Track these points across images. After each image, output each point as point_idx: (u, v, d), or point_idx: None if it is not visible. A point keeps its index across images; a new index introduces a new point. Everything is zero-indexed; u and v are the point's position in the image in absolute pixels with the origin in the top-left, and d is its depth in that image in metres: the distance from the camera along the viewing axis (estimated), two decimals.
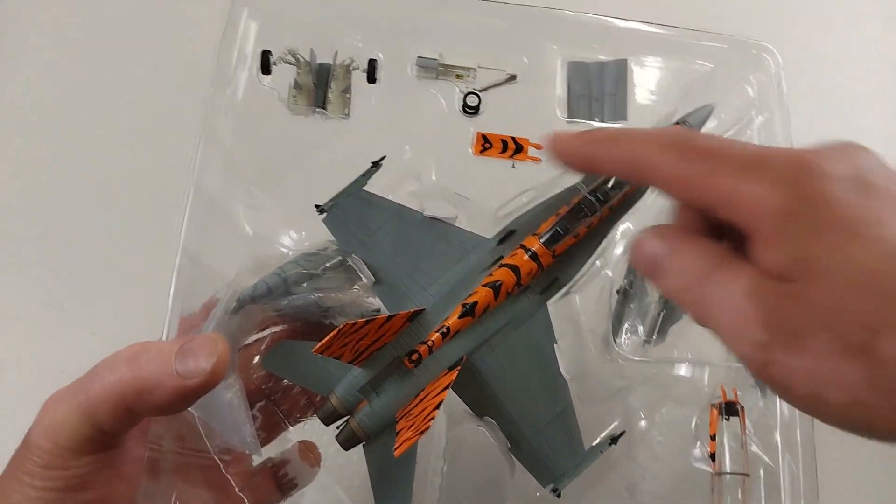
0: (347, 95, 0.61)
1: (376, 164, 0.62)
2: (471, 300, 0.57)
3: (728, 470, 0.52)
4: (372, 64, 0.60)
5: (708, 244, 0.37)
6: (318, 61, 0.60)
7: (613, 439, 0.58)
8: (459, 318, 0.57)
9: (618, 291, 0.60)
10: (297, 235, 0.60)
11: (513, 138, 0.59)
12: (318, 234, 0.60)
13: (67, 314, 0.78)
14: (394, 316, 0.54)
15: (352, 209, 0.62)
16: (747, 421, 0.54)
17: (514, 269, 0.57)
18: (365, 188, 0.61)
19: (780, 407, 0.53)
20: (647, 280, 0.41)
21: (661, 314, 0.59)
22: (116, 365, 0.45)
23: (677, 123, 0.61)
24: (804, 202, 0.32)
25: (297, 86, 0.61)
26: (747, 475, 0.52)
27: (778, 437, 0.52)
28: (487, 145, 0.59)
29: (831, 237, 0.31)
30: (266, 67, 0.59)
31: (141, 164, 0.82)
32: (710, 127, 0.61)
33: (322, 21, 0.60)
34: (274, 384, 0.61)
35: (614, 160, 0.40)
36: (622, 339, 0.58)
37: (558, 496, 0.56)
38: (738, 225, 0.34)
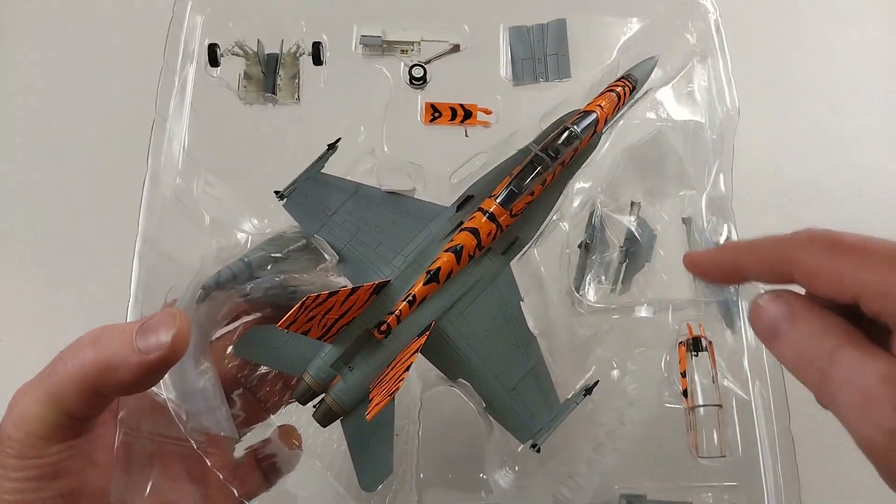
0: (296, 81, 0.62)
1: (332, 147, 0.62)
2: (434, 266, 0.57)
3: (701, 403, 0.52)
4: (317, 47, 0.61)
5: (836, 319, 0.38)
6: (266, 51, 0.61)
7: (587, 390, 0.58)
8: (424, 284, 0.57)
9: (579, 246, 0.61)
10: (259, 222, 0.60)
11: (461, 105, 0.60)
12: (279, 220, 0.61)
13: (67, 314, 0.78)
14: (358, 288, 0.55)
15: (311, 192, 0.62)
16: (717, 356, 0.55)
17: (474, 231, 0.58)
18: (323, 170, 0.62)
19: (747, 337, 0.53)
20: (764, 344, 0.40)
21: (624, 264, 0.60)
22: (79, 349, 0.46)
23: (623, 77, 0.62)
24: None
25: (246, 76, 0.62)
26: (720, 406, 0.52)
27: (747, 367, 0.53)
28: (437, 114, 0.60)
29: None
30: (214, 60, 0.60)
31: (105, 160, 0.83)
32: (655, 77, 0.62)
33: (266, 9, 0.62)
34: (250, 372, 0.62)
35: (760, 261, 0.42)
36: (585, 291, 0.59)
37: (538, 451, 0.56)
38: (884, 315, 0.35)
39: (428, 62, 0.60)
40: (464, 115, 0.60)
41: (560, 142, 0.57)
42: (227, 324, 0.61)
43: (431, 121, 0.61)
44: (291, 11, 0.61)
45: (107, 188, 0.82)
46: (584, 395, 0.57)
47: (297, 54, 0.62)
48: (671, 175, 0.61)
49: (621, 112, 0.61)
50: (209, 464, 0.52)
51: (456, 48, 0.61)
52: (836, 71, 0.91)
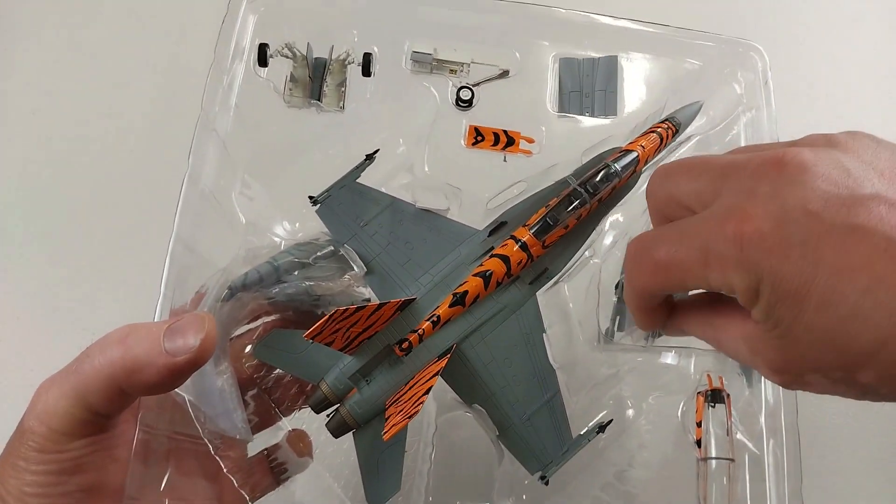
0: (343, 89, 0.62)
1: (370, 157, 0.63)
2: (461, 289, 0.58)
3: (714, 455, 0.52)
4: (367, 58, 0.61)
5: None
6: (315, 55, 0.61)
7: (601, 427, 0.58)
8: (450, 307, 0.57)
9: (616, 287, 0.61)
10: (291, 226, 0.60)
11: (504, 131, 0.61)
12: (311, 226, 0.61)
13: (67, 314, 0.78)
14: (385, 304, 0.55)
15: (345, 201, 0.63)
16: (733, 409, 0.55)
17: (505, 259, 0.58)
18: (358, 180, 0.63)
19: (765, 394, 0.54)
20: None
21: None
22: (106, 346, 0.46)
23: (667, 119, 0.63)
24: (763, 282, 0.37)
25: (293, 79, 0.62)
26: (732, 460, 0.53)
27: (763, 423, 0.53)
28: (480, 138, 0.60)
29: (791, 306, 0.36)
30: (263, 60, 0.60)
31: (139, 158, 0.83)
32: (698, 123, 0.62)
33: (319, 15, 0.61)
34: (266, 373, 0.62)
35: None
36: (617, 333, 0.59)
37: (546, 483, 0.56)
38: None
39: (476, 85, 0.60)
40: (507, 141, 0.60)
41: (599, 178, 0.58)
42: (248, 323, 0.61)
43: (474, 144, 0.61)
44: (345, 19, 0.61)
45: (137, 184, 0.82)
46: (598, 433, 0.57)
47: (346, 62, 0.62)
48: None
49: (661, 154, 0.61)
50: (224, 469, 0.52)
51: (505, 73, 0.61)
52: (837, 71, 0.90)
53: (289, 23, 0.60)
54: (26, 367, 0.77)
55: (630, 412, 0.58)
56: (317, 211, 0.61)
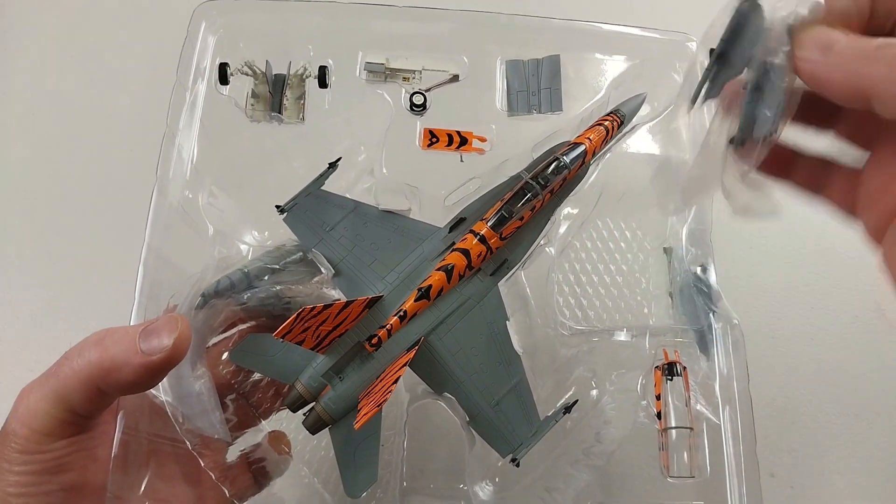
0: (302, 101, 0.65)
1: (332, 165, 0.65)
2: (425, 284, 0.60)
3: (673, 425, 0.55)
4: (322, 70, 0.64)
5: None
6: (274, 71, 0.64)
7: (567, 408, 0.60)
8: (415, 301, 0.60)
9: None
10: (259, 235, 0.63)
11: (458, 132, 0.64)
12: (279, 234, 0.63)
13: (67, 314, 0.80)
14: (352, 302, 0.58)
15: (311, 207, 0.65)
16: (692, 381, 0.57)
17: (465, 252, 0.60)
18: (323, 187, 0.65)
19: (719, 364, 0.56)
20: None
21: None
22: (84, 349, 0.48)
23: (612, 112, 0.66)
24: None
25: (254, 95, 0.64)
26: (691, 429, 0.55)
27: (718, 393, 0.56)
28: (434, 139, 0.63)
29: None
30: (224, 78, 0.63)
31: (116, 170, 0.85)
32: (643, 114, 0.65)
33: (276, 33, 0.64)
34: (243, 378, 0.64)
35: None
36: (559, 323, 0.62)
37: (517, 465, 0.58)
38: None
39: (428, 90, 0.63)
40: (460, 141, 0.63)
41: (549, 171, 0.60)
42: (223, 331, 0.63)
43: (429, 145, 0.64)
44: (300, 35, 0.64)
45: (113, 195, 0.84)
46: (564, 413, 0.60)
47: (304, 76, 0.65)
48: (653, 205, 0.64)
49: (609, 145, 0.64)
50: (202, 464, 0.54)
51: (455, 78, 0.64)
52: None
53: (247, 42, 0.63)
54: (27, 368, 0.74)
55: (594, 392, 0.61)
56: (284, 219, 0.64)
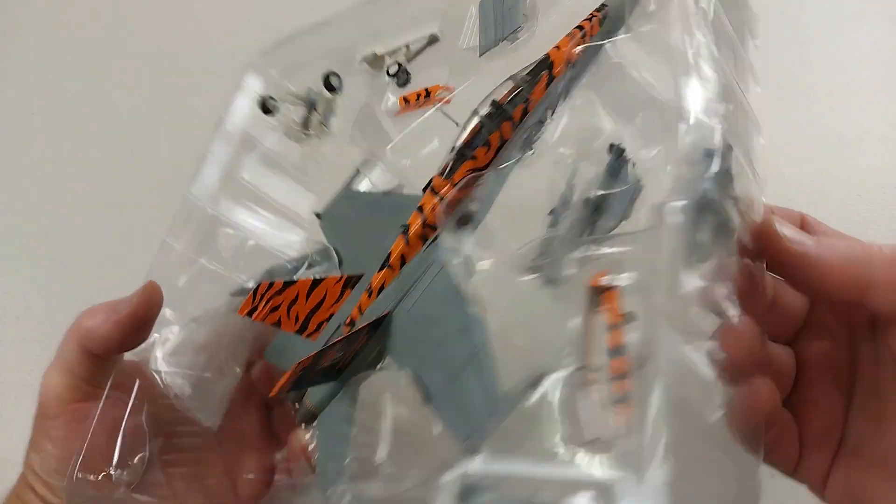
0: (326, 116, 0.68)
1: (359, 170, 0.66)
2: (389, 252, 0.54)
3: None
4: (327, 79, 0.66)
5: None
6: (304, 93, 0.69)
7: (533, 383, 0.46)
8: (378, 271, 0.54)
9: (550, 213, 0.50)
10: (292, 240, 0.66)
11: (425, 89, 0.58)
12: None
13: (67, 314, 0.88)
14: (322, 280, 0.56)
15: (343, 211, 0.66)
16: None
17: (419, 209, 0.54)
18: (355, 188, 0.66)
19: None
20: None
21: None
22: (77, 320, 0.56)
23: (595, 10, 0.52)
24: None
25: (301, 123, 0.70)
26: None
27: None
28: (406, 104, 0.59)
29: None
30: (266, 111, 0.71)
31: (139, 161, 0.92)
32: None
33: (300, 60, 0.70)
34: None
35: None
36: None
37: (476, 453, 0.46)
38: None
39: (409, 61, 0.60)
40: (425, 94, 0.58)
41: (502, 96, 0.51)
42: None
43: (405, 110, 0.60)
44: (315, 57, 0.68)
45: (117, 197, 0.91)
46: (530, 389, 0.46)
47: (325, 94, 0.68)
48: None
49: (591, 44, 0.51)
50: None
51: (434, 39, 0.60)
52: (837, 71, 0.89)
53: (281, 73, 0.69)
54: (26, 367, 0.83)
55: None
56: (320, 224, 0.66)
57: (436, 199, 0.53)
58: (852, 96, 0.87)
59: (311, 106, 0.69)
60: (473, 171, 0.52)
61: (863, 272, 0.41)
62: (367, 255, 0.60)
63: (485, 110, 0.51)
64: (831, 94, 0.88)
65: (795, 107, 0.86)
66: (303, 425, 0.56)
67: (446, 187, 0.52)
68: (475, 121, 0.51)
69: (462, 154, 0.52)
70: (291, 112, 0.70)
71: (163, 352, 0.58)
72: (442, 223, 0.53)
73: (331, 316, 0.57)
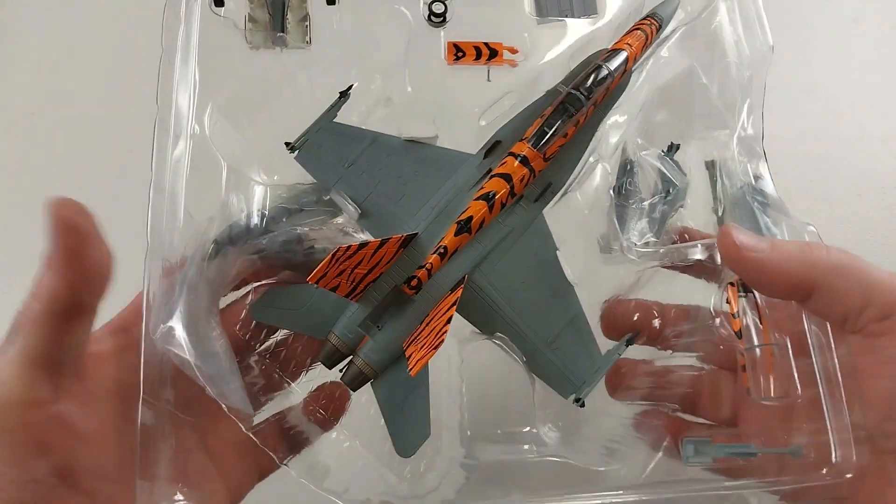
0: (306, 23, 0.58)
1: (344, 94, 0.58)
2: (465, 216, 0.54)
3: (757, 344, 0.50)
4: None
5: None
6: None
7: (629, 340, 0.56)
8: (455, 235, 0.54)
9: (613, 191, 0.58)
10: (267, 176, 0.56)
11: (486, 44, 0.57)
12: (289, 174, 0.57)
13: None
14: (388, 240, 0.51)
15: (325, 143, 0.58)
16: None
17: (506, 177, 0.54)
18: (336, 120, 0.58)
19: None
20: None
21: (664, 209, 0.57)
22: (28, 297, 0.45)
23: (649, 16, 0.60)
24: None
25: (251, 20, 0.57)
26: (777, 345, 0.50)
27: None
28: (461, 54, 0.57)
29: None
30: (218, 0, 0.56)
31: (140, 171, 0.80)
32: (679, 16, 0.60)
33: None
34: (265, 337, 0.57)
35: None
36: (626, 238, 0.56)
37: (582, 406, 0.53)
38: None
39: None
40: (489, 54, 0.57)
41: (592, 81, 0.55)
42: (237, 287, 0.56)
43: (455, 61, 0.57)
44: None
45: (111, 145, 0.81)
46: (627, 346, 0.55)
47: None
48: (700, 114, 0.59)
49: (648, 51, 0.58)
50: (243, 428, 0.48)
51: None
52: (837, 72, 0.91)
53: None
54: None
55: (656, 322, 0.56)
56: (296, 157, 0.57)
57: (526, 171, 0.54)
58: (852, 96, 0.88)
59: (281, 10, 0.57)
60: (561, 147, 0.55)
61: (807, 278, 0.47)
62: (389, 201, 0.57)
63: (580, 93, 0.54)
64: (832, 95, 0.88)
65: (796, 107, 0.87)
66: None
67: (538, 160, 0.54)
68: (579, 99, 0.54)
69: (553, 128, 0.54)
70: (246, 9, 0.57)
71: None
72: (527, 193, 0.55)
73: (379, 276, 0.53)
